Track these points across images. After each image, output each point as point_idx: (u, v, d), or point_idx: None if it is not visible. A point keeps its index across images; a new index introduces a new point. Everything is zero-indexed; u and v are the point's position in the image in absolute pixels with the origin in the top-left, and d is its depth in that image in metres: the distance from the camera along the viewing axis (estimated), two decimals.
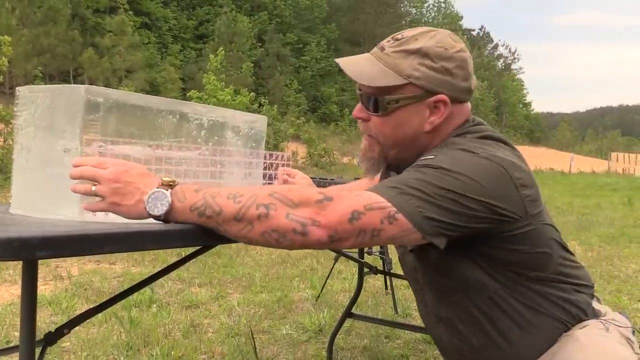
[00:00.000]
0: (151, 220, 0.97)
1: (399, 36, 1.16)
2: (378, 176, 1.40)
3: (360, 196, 0.98)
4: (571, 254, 1.20)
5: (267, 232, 0.94)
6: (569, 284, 1.15)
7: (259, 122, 1.46)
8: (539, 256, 1.10)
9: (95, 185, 0.97)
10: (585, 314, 1.15)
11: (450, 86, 1.13)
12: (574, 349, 1.08)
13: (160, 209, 0.95)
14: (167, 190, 0.96)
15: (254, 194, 0.95)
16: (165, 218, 0.96)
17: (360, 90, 1.19)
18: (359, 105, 1.21)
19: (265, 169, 1.51)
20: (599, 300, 1.23)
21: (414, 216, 0.96)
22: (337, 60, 1.21)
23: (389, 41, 1.17)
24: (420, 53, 1.12)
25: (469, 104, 1.20)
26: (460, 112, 1.17)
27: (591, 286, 1.21)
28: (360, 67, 1.18)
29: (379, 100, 1.15)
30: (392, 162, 1.23)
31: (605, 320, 1.16)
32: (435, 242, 1.00)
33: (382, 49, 1.16)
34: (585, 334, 1.11)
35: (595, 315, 1.17)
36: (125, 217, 0.98)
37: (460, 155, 1.05)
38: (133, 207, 0.96)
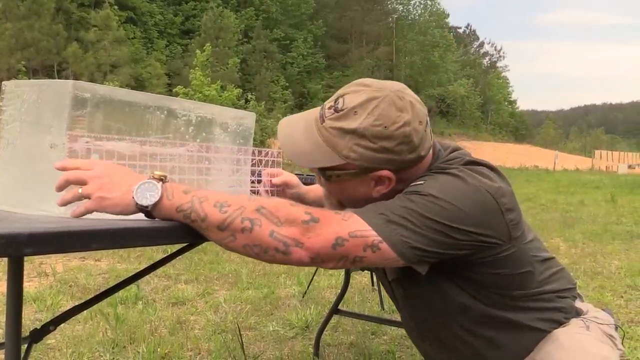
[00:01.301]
0: (138, 216, 0.96)
1: (340, 104, 1.08)
2: None
3: (346, 221, 0.98)
4: (551, 258, 1.21)
5: (249, 245, 0.95)
6: (551, 292, 1.16)
7: (247, 118, 1.45)
8: (521, 276, 1.11)
9: (81, 187, 0.95)
10: (567, 316, 1.17)
11: (392, 162, 1.07)
12: (554, 349, 1.09)
13: (149, 200, 0.94)
14: (158, 182, 0.95)
15: (241, 206, 0.95)
16: (151, 211, 0.95)
17: None
18: None
19: (253, 165, 1.50)
20: (581, 298, 1.25)
21: (398, 246, 0.97)
22: (280, 123, 1.18)
23: (330, 109, 1.09)
24: (357, 134, 1.05)
25: (428, 156, 1.13)
26: (418, 169, 1.12)
27: (573, 287, 1.23)
28: (297, 143, 1.13)
29: (320, 171, 1.14)
30: None
31: (586, 318, 1.17)
32: (417, 268, 1.02)
33: (322, 119, 1.10)
34: (565, 333, 1.12)
35: (577, 314, 1.18)
36: (111, 212, 0.95)
37: (449, 182, 1.04)
38: (120, 198, 0.94)
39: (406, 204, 1.00)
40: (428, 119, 1.11)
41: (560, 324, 1.15)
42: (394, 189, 1.11)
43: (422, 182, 1.05)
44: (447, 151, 1.17)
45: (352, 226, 0.97)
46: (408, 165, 1.09)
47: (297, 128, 1.16)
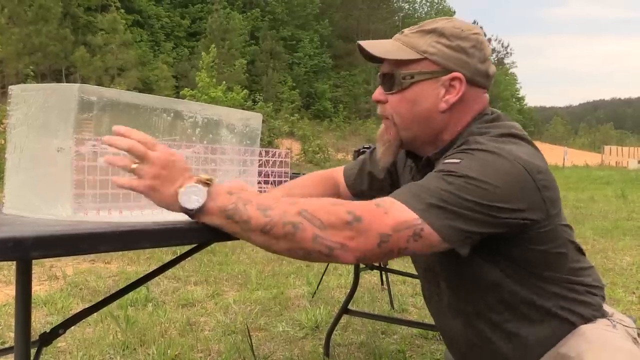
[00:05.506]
0: (146, 218, 0.96)
1: (420, 23, 1.21)
2: (339, 170, 1.52)
3: (387, 214, 0.97)
4: (583, 254, 1.22)
5: (293, 249, 0.96)
6: (582, 285, 1.17)
7: (254, 119, 1.45)
8: (555, 256, 1.12)
9: (137, 163, 0.95)
10: (595, 314, 1.17)
11: (466, 65, 1.15)
12: (580, 342, 1.09)
13: (194, 204, 0.95)
14: (204, 187, 0.96)
15: (284, 210, 0.95)
16: (195, 214, 0.96)
17: (380, 72, 1.23)
18: (378, 88, 1.24)
19: (261, 166, 1.50)
20: (604, 301, 1.24)
21: (441, 230, 0.98)
22: (359, 42, 1.24)
23: (410, 27, 1.22)
24: (437, 32, 1.16)
25: (486, 95, 1.22)
26: (478, 97, 1.19)
27: (603, 287, 1.23)
28: (378, 44, 1.22)
29: (395, 75, 1.18)
30: (407, 143, 1.24)
31: (612, 319, 1.17)
32: (460, 251, 1.02)
33: (402, 32, 1.22)
34: (592, 329, 1.12)
35: (603, 315, 1.19)
36: (156, 203, 0.97)
37: (485, 160, 1.04)
38: (168, 196, 0.95)
39: (443, 186, 1.00)
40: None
41: (587, 320, 1.15)
42: (459, 109, 1.17)
43: (457, 160, 1.05)
44: (492, 115, 1.20)
45: (394, 218, 0.97)
46: (477, 77, 1.17)
47: (379, 40, 1.26)
